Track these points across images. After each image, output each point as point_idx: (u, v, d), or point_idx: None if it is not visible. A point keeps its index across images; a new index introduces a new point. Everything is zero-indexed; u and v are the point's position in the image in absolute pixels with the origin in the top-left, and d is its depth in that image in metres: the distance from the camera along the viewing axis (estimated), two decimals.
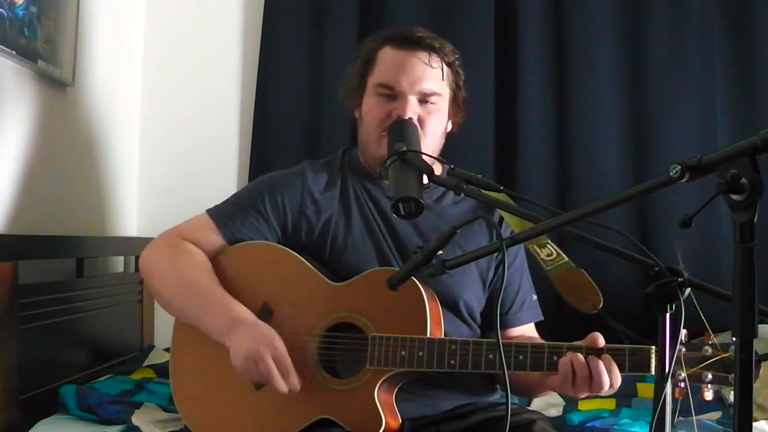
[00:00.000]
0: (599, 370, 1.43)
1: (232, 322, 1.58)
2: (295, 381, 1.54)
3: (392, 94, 1.68)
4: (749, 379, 0.89)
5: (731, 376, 1.30)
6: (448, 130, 1.78)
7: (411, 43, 1.70)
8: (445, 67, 1.71)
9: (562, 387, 1.49)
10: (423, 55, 1.69)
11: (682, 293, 1.13)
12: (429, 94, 1.68)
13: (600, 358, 1.44)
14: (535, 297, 1.82)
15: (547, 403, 2.20)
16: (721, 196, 0.90)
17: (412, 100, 1.67)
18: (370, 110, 1.71)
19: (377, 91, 1.70)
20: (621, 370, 1.44)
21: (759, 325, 0.90)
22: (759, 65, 2.76)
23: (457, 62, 1.75)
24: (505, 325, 1.76)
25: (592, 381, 1.44)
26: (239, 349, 1.54)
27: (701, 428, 1.91)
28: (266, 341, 1.53)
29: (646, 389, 2.18)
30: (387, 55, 1.72)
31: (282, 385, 1.53)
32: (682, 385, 1.32)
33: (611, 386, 1.44)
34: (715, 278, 2.59)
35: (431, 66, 1.68)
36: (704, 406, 1.92)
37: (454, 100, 1.75)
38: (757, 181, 0.88)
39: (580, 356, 1.44)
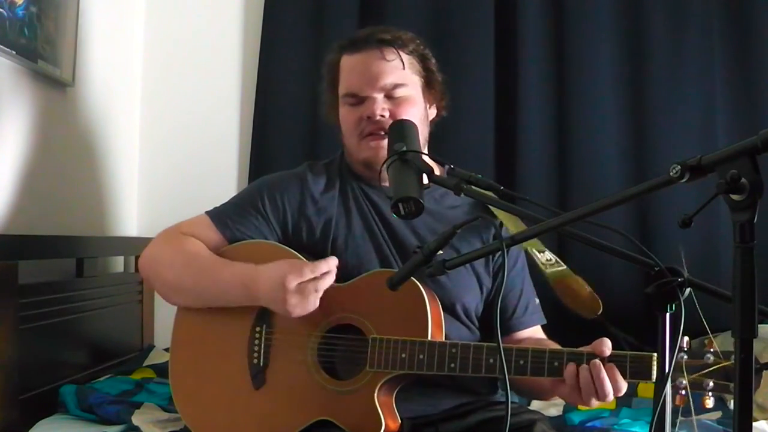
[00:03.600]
0: (602, 379, 1.40)
1: (250, 274, 1.59)
2: (329, 265, 1.55)
3: (359, 100, 1.70)
4: (749, 379, 0.89)
5: (732, 385, 1.29)
6: (433, 116, 1.78)
7: (361, 45, 1.72)
8: (404, 55, 1.71)
9: (570, 396, 1.48)
10: (374, 53, 1.70)
11: (682, 293, 1.13)
12: (392, 88, 1.69)
13: (604, 367, 1.42)
14: (537, 301, 1.80)
15: (547, 403, 2.19)
16: (721, 196, 0.90)
17: (378, 99, 1.68)
18: (344, 120, 1.74)
19: (345, 101, 1.73)
20: (622, 377, 1.42)
21: (759, 325, 0.90)
22: (759, 65, 2.76)
23: (420, 48, 1.75)
24: (511, 330, 1.75)
25: (597, 390, 1.42)
26: (272, 288, 1.55)
27: (701, 428, 1.91)
28: (288, 274, 1.53)
29: (646, 389, 2.17)
30: (345, 64, 1.74)
31: (327, 282, 1.55)
32: (683, 392, 1.31)
33: (616, 394, 1.43)
34: (715, 278, 2.59)
35: (386, 60, 1.69)
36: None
37: (428, 85, 1.75)
38: (757, 181, 0.88)
39: (584, 366, 1.42)
